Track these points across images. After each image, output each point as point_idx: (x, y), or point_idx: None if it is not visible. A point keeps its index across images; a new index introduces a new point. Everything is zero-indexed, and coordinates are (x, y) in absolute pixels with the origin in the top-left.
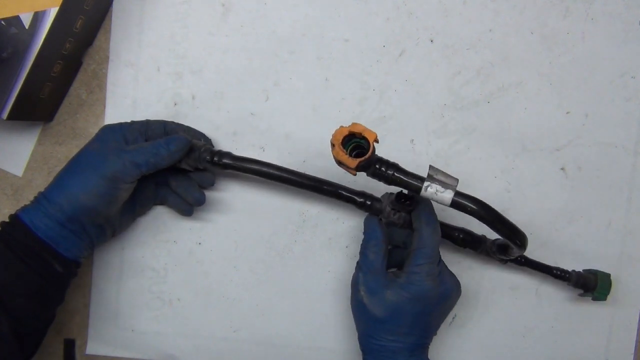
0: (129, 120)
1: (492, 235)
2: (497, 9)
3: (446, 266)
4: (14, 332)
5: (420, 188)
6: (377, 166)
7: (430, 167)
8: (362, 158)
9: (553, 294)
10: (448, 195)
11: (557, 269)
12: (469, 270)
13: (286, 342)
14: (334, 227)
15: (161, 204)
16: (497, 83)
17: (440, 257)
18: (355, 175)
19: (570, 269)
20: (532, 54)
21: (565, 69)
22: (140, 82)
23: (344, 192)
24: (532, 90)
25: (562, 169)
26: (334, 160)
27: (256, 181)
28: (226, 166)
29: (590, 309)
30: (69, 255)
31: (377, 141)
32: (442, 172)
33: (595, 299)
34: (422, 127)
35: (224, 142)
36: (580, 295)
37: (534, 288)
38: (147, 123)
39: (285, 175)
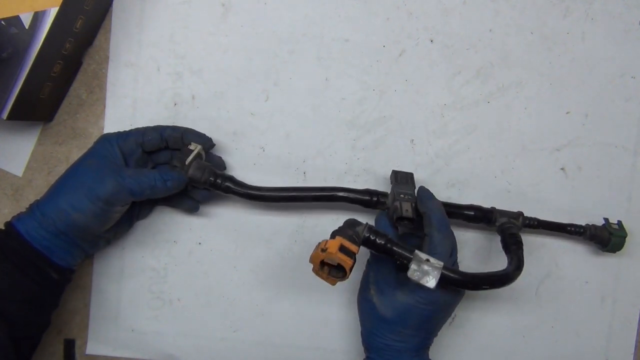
0: (128, 120)
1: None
2: (497, 9)
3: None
4: (10, 338)
5: (408, 267)
6: (368, 235)
7: (415, 255)
8: (341, 280)
9: (553, 294)
10: (432, 282)
11: (571, 225)
12: (468, 270)
13: (286, 342)
14: (333, 227)
15: (164, 205)
16: (497, 83)
17: (455, 261)
18: (334, 285)
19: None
20: (532, 54)
21: (565, 69)
22: (140, 82)
23: (349, 195)
24: (532, 90)
25: (562, 169)
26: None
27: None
28: (228, 190)
29: (590, 308)
30: (63, 264)
31: (354, 261)
32: (428, 262)
33: (615, 246)
34: (422, 127)
35: (224, 142)
36: (602, 249)
37: (534, 288)
38: (143, 133)
39: (285, 194)
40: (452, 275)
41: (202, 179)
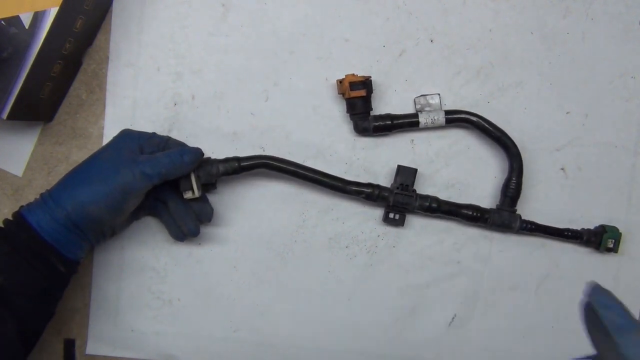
0: (128, 120)
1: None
2: (497, 9)
3: None
4: (18, 332)
5: (418, 121)
6: (376, 123)
7: (415, 101)
8: (366, 77)
9: (553, 294)
10: (441, 117)
11: (568, 229)
12: (468, 271)
13: (286, 342)
14: (334, 227)
15: (154, 216)
16: (497, 83)
17: None
18: (365, 95)
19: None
20: (532, 54)
21: (565, 69)
22: (140, 82)
23: (353, 187)
24: (532, 90)
25: (562, 169)
26: (343, 97)
27: (256, 181)
28: (244, 168)
29: None
30: (72, 257)
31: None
32: (424, 97)
33: (613, 242)
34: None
35: (224, 142)
36: (600, 250)
37: (534, 288)
38: (167, 140)
39: (301, 171)
40: (455, 115)
41: (215, 160)
